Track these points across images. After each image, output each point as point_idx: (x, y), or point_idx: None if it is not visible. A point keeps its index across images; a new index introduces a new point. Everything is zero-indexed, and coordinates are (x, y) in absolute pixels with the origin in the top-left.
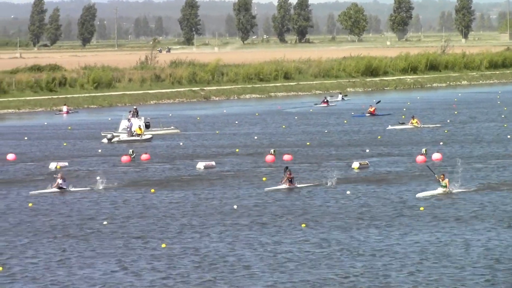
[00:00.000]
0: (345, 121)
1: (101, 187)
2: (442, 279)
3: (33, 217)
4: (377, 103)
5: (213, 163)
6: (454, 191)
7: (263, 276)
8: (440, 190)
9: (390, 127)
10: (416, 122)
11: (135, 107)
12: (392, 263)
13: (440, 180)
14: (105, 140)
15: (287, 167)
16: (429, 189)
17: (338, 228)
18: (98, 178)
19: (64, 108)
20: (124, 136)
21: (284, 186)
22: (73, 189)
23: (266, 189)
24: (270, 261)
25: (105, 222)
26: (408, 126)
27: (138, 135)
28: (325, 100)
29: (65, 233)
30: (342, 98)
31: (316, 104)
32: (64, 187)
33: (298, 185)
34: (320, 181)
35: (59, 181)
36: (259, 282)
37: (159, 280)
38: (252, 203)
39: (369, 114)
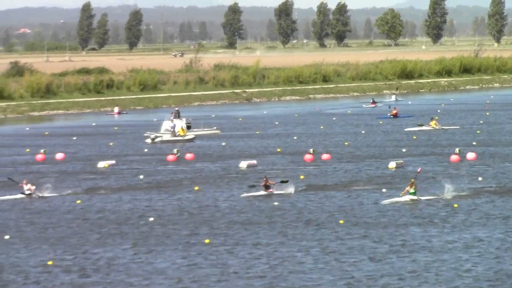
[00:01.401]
0: (381, 122)
1: (145, 185)
2: None
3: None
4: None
5: (255, 162)
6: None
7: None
8: (407, 197)
9: (408, 129)
10: (435, 123)
11: (176, 108)
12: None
13: (408, 188)
14: (148, 140)
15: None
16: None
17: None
18: (141, 176)
19: (116, 109)
20: (167, 137)
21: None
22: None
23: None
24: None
25: (151, 219)
26: (427, 127)
27: (181, 135)
28: (373, 101)
29: (120, 229)
30: (396, 100)
31: (364, 105)
32: (29, 192)
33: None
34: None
35: (25, 187)
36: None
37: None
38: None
39: (391, 116)
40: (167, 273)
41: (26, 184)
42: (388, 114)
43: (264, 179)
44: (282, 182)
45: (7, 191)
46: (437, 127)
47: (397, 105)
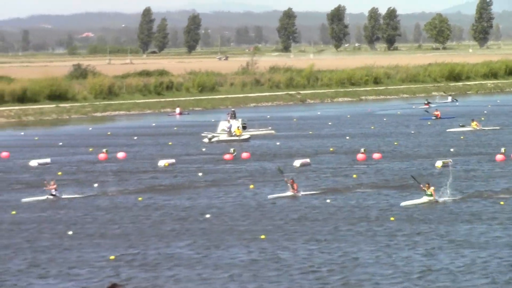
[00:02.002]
0: (429, 123)
1: (203, 183)
2: None
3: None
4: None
5: (308, 160)
6: (440, 200)
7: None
8: (425, 198)
9: (450, 129)
10: (476, 124)
11: (233, 109)
12: None
13: (426, 189)
14: (206, 140)
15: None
16: (414, 198)
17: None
18: (200, 174)
19: (177, 110)
20: (223, 136)
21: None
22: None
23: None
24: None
25: (207, 215)
26: (468, 128)
27: (237, 135)
28: (427, 102)
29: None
30: (452, 100)
31: (420, 106)
32: (54, 193)
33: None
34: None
35: (52, 188)
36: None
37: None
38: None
39: (434, 117)
40: (227, 268)
41: (53, 184)
42: (432, 116)
43: (291, 180)
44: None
45: (78, 188)
46: (477, 128)
47: (452, 106)
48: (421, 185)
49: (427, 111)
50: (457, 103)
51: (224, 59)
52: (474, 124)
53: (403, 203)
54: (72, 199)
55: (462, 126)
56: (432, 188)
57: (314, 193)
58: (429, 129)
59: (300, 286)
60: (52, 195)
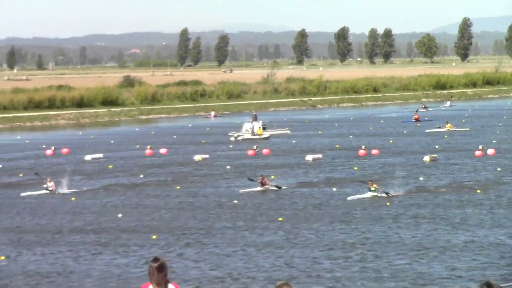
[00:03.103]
0: (418, 125)
1: (231, 174)
2: None
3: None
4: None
5: (320, 155)
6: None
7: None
8: (369, 194)
9: (428, 130)
10: (450, 126)
11: (255, 113)
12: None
13: (369, 185)
14: (232, 139)
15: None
16: (360, 193)
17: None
18: (228, 167)
19: (212, 113)
20: (247, 135)
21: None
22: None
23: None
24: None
25: (235, 201)
26: (443, 129)
27: (259, 134)
28: (424, 106)
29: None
30: (450, 105)
31: (418, 110)
32: (51, 189)
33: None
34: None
35: (49, 184)
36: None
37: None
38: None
39: (414, 120)
40: (262, 246)
41: (50, 181)
42: (412, 119)
43: (261, 177)
44: (276, 186)
45: (126, 179)
46: (451, 129)
47: (450, 109)
48: (369, 184)
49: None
50: (452, 107)
51: (229, 72)
52: (448, 125)
53: (349, 197)
54: (68, 194)
55: (438, 127)
56: (375, 185)
57: (255, 190)
58: (413, 130)
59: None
60: (48, 190)
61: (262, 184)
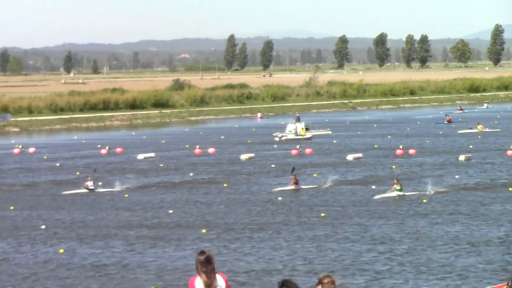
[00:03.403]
0: (453, 125)
1: (276, 172)
2: None
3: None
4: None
5: (360, 155)
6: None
7: None
8: (395, 193)
9: (460, 131)
10: (481, 127)
11: (297, 114)
12: None
13: (395, 184)
14: (277, 139)
15: (293, 168)
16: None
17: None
18: (272, 165)
19: (259, 114)
20: (291, 136)
21: (291, 187)
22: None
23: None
24: None
25: (280, 198)
26: (474, 130)
27: (302, 135)
28: (460, 108)
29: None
30: (487, 107)
31: (455, 112)
32: (92, 188)
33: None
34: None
35: (88, 183)
36: None
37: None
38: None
39: (447, 122)
40: (306, 240)
41: (90, 180)
42: (444, 121)
43: (293, 177)
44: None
45: (176, 176)
46: (482, 130)
47: (487, 111)
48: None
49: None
50: (489, 109)
51: (269, 76)
52: (479, 127)
53: (375, 197)
54: (106, 192)
55: (470, 128)
56: (400, 183)
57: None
58: (447, 131)
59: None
60: (88, 189)
61: (295, 183)
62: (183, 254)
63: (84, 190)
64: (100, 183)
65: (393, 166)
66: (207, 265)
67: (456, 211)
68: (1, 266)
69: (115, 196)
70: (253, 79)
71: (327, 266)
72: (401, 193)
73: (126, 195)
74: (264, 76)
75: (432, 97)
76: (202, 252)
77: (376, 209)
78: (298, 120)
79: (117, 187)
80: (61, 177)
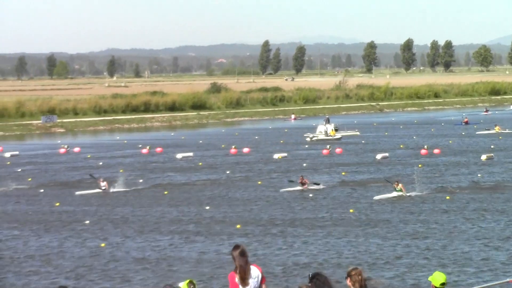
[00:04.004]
0: (475, 126)
1: (308, 170)
2: None
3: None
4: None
5: (387, 154)
6: (409, 194)
7: None
8: (395, 194)
9: (478, 132)
10: (498, 128)
11: (327, 116)
12: None
13: (395, 186)
14: (308, 139)
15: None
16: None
17: None
18: (304, 164)
19: (292, 116)
20: (321, 136)
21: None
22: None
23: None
24: None
25: (310, 195)
26: (492, 131)
27: (332, 135)
28: (486, 110)
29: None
30: None
31: (481, 113)
32: (104, 188)
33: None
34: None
35: (101, 183)
36: None
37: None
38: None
39: (464, 124)
40: (337, 234)
41: (103, 181)
42: (462, 122)
43: (301, 177)
44: (315, 183)
45: (212, 175)
46: (499, 131)
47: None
48: (393, 184)
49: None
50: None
51: (291, 80)
52: (497, 128)
53: (375, 197)
54: (120, 192)
55: (487, 129)
56: (401, 185)
57: (295, 190)
58: (470, 132)
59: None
60: (101, 189)
61: (302, 184)
62: (218, 248)
63: (98, 190)
64: (141, 181)
65: (419, 165)
66: (241, 258)
67: (478, 208)
68: (48, 259)
69: (155, 193)
70: (286, 82)
71: (356, 259)
72: (401, 194)
73: (166, 192)
74: (286, 80)
75: (456, 99)
76: (236, 247)
77: (403, 205)
78: (327, 121)
79: (116, 189)
80: (105, 175)
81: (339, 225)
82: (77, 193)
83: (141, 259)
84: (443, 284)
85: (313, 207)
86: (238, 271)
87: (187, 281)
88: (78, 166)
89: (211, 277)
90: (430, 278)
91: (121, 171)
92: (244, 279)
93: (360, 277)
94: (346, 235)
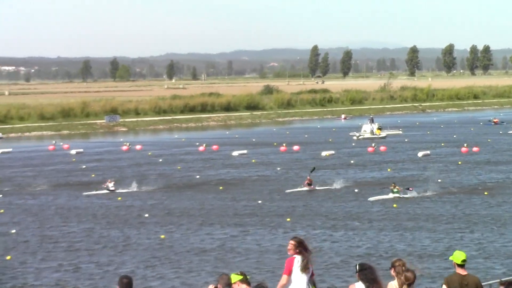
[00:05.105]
0: (510, 125)
1: (354, 166)
2: None
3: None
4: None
5: (429, 152)
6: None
7: None
8: (391, 195)
9: (510, 131)
10: None
11: (371, 116)
12: None
13: (392, 187)
14: (354, 138)
15: (314, 168)
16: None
17: None
18: (352, 161)
19: (343, 116)
20: (367, 135)
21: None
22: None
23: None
24: None
25: (356, 190)
26: None
27: (377, 134)
28: None
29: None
30: None
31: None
32: (113, 188)
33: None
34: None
35: (109, 184)
36: None
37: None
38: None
39: (493, 123)
40: (384, 226)
41: (110, 182)
42: (491, 122)
43: (308, 178)
44: (311, 171)
45: (266, 172)
46: None
47: None
48: (391, 186)
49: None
50: None
51: (322, 83)
52: None
53: (370, 198)
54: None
55: None
56: (398, 187)
57: (301, 190)
58: (505, 131)
59: None
60: (109, 190)
61: (309, 184)
62: (271, 239)
63: (105, 191)
64: (198, 176)
65: (459, 162)
66: (300, 247)
67: None
68: (122, 250)
69: (211, 188)
70: (334, 85)
71: (402, 252)
72: (397, 195)
73: (221, 187)
74: (317, 83)
75: (494, 100)
76: (295, 237)
77: (444, 200)
78: (372, 121)
79: (124, 189)
80: (164, 171)
81: (385, 220)
82: (85, 193)
83: (199, 250)
84: (463, 261)
85: (360, 202)
86: (303, 259)
87: (237, 272)
88: (142, 163)
89: (267, 266)
90: (451, 257)
91: (178, 168)
92: (307, 267)
93: (403, 267)
94: (393, 228)
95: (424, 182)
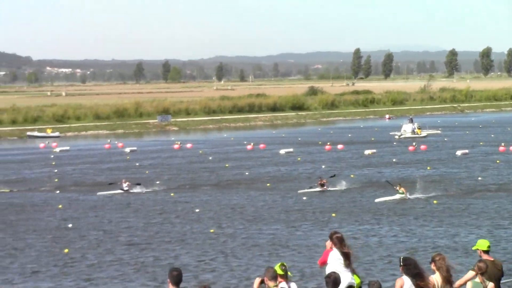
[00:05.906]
0: None
1: (396, 164)
2: None
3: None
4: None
5: (467, 151)
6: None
7: None
8: (397, 196)
9: None
10: None
11: (411, 116)
12: None
13: (398, 189)
14: (396, 137)
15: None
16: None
17: None
18: (394, 160)
19: (387, 116)
20: (408, 134)
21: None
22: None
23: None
24: None
25: (398, 188)
26: None
27: (418, 134)
28: None
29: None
30: None
31: None
32: (127, 189)
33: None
34: None
35: (124, 185)
36: None
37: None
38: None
39: None
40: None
41: (125, 182)
42: None
43: (320, 179)
44: (331, 177)
45: (310, 169)
46: None
47: None
48: (395, 187)
49: None
50: None
51: (352, 85)
52: None
53: (376, 200)
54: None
55: None
56: (403, 188)
57: (314, 191)
58: None
59: None
60: (123, 190)
61: (322, 185)
62: (318, 233)
63: (119, 191)
64: (247, 173)
65: (497, 161)
66: (341, 242)
67: None
68: (177, 244)
69: (259, 184)
70: (376, 86)
71: (447, 248)
72: (403, 196)
73: (268, 184)
74: (348, 85)
75: None
76: (335, 232)
77: (487, 196)
78: (411, 121)
79: (137, 190)
80: (214, 169)
81: (426, 215)
82: (99, 193)
83: (251, 244)
84: (489, 247)
85: (398, 199)
86: (339, 253)
87: (279, 264)
88: (194, 161)
89: (309, 259)
90: (477, 246)
91: (226, 166)
92: (350, 263)
93: (443, 261)
94: (435, 223)
95: (464, 180)
